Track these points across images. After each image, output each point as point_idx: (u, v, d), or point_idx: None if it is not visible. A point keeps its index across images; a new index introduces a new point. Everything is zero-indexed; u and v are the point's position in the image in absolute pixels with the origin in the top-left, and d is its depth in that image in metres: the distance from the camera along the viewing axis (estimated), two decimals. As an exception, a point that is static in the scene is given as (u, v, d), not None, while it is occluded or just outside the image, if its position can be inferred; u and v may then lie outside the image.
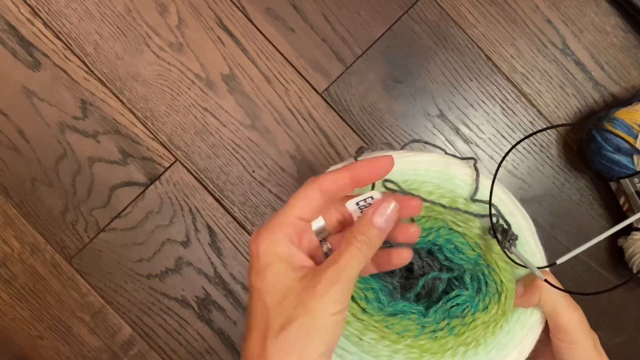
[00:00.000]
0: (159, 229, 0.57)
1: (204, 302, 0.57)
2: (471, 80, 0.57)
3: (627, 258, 0.54)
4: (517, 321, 0.32)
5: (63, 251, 0.57)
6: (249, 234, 0.57)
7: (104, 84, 0.57)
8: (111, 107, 0.57)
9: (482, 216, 0.31)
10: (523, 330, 0.32)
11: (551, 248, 0.57)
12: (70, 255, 0.57)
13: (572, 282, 0.57)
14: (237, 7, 0.57)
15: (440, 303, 0.31)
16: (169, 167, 0.57)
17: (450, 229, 0.31)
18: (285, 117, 0.57)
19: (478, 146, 0.57)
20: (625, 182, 0.51)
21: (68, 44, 0.56)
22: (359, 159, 0.33)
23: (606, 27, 0.57)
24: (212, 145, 0.57)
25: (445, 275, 0.31)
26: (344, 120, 0.57)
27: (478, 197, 0.32)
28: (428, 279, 0.32)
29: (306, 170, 0.57)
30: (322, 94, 0.57)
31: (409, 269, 0.33)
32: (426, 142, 0.36)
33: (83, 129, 0.57)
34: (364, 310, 0.31)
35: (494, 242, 0.31)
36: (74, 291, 0.57)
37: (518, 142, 0.33)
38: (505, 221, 0.31)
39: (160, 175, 0.57)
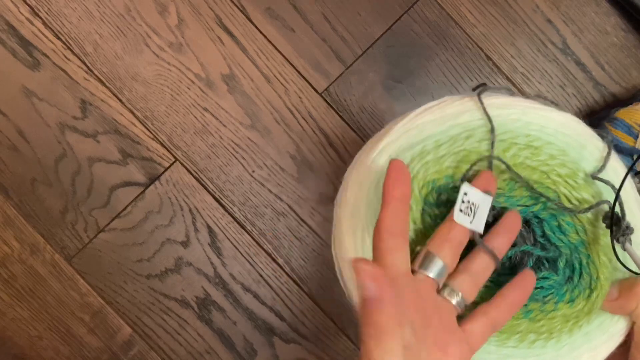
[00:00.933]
0: (158, 229, 0.57)
1: (203, 302, 0.57)
2: (471, 80, 0.57)
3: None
4: (599, 326, 0.29)
5: (63, 251, 0.57)
6: (249, 234, 0.57)
7: (104, 84, 0.56)
8: (111, 107, 0.57)
9: (596, 205, 0.27)
10: (603, 336, 0.29)
11: (551, 248, 0.57)
12: (70, 256, 0.57)
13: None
14: (237, 7, 0.57)
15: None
16: (169, 167, 0.57)
17: (561, 203, 0.28)
18: (285, 117, 0.57)
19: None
20: (626, 182, 0.51)
21: (68, 44, 0.56)
22: (480, 96, 0.29)
23: (606, 27, 0.57)
24: (212, 145, 0.57)
25: (538, 252, 0.28)
26: (344, 120, 0.57)
27: (602, 176, 0.28)
28: (518, 250, 0.28)
29: (306, 170, 0.57)
30: (322, 94, 0.57)
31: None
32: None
33: (83, 129, 0.57)
34: None
35: (604, 232, 0.28)
36: (74, 291, 0.57)
37: None
38: (623, 212, 0.27)
39: (160, 175, 0.57)
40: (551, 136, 0.28)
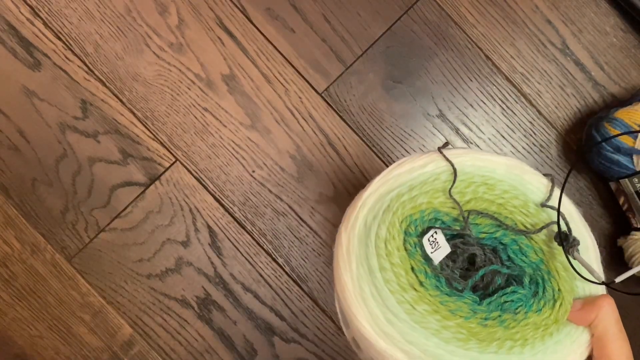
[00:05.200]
0: (159, 229, 0.57)
1: (204, 302, 0.57)
2: (471, 81, 0.57)
3: (627, 258, 0.54)
4: (568, 334, 0.32)
5: (63, 251, 0.57)
6: (249, 234, 0.57)
7: (104, 84, 0.57)
8: (111, 107, 0.57)
9: (548, 225, 0.33)
10: (572, 345, 0.32)
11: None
12: (71, 255, 0.57)
13: (571, 282, 0.57)
14: (237, 7, 0.57)
15: (495, 296, 0.32)
16: (169, 167, 0.57)
17: (519, 229, 0.33)
18: (285, 117, 0.57)
19: (478, 146, 0.57)
20: (625, 182, 0.51)
21: (68, 44, 0.57)
22: (441, 149, 0.35)
23: (606, 27, 0.57)
24: (212, 145, 0.57)
25: (505, 270, 0.32)
26: (343, 120, 0.57)
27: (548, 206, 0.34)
28: (488, 270, 0.33)
29: (306, 170, 0.57)
30: (322, 94, 0.57)
31: (470, 261, 0.34)
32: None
33: (83, 129, 0.57)
34: (421, 283, 0.32)
35: (558, 250, 0.33)
36: (74, 291, 0.57)
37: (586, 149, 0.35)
38: (569, 229, 0.32)
39: (161, 175, 0.57)
40: (501, 176, 0.34)
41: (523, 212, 0.33)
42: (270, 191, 0.57)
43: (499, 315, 0.32)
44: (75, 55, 0.57)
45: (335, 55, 0.57)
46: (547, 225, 0.33)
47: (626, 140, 0.50)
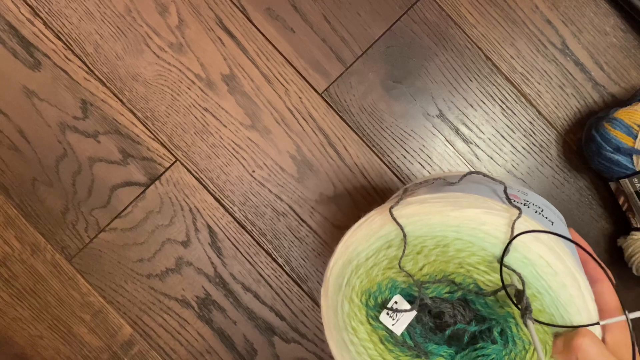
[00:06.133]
0: (159, 228, 0.57)
1: (204, 302, 0.57)
2: (471, 81, 0.57)
3: (627, 258, 0.54)
4: None
5: (63, 251, 0.57)
6: (249, 234, 0.57)
7: (104, 84, 0.57)
8: (111, 107, 0.57)
9: (497, 291, 0.31)
10: None
11: (551, 248, 0.57)
12: (71, 255, 0.57)
13: (571, 282, 0.57)
14: (237, 7, 0.57)
15: (467, 351, 0.32)
16: (169, 167, 0.57)
17: (476, 287, 0.32)
18: (285, 117, 0.57)
19: (478, 146, 0.57)
20: (625, 182, 0.51)
21: (68, 44, 0.57)
22: (392, 210, 0.34)
23: (605, 27, 0.57)
24: (212, 145, 0.57)
25: (472, 328, 0.32)
26: (343, 120, 0.57)
27: (510, 257, 0.31)
28: (454, 329, 0.32)
29: (306, 170, 0.57)
30: (322, 94, 0.57)
31: (440, 316, 0.34)
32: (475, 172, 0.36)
33: (83, 129, 0.57)
34: (390, 350, 0.33)
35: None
36: (75, 291, 0.57)
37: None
38: (523, 293, 0.30)
39: (161, 175, 0.57)
40: (455, 232, 0.32)
41: (481, 270, 0.32)
42: (270, 191, 0.57)
43: None
44: (76, 55, 0.57)
45: (335, 55, 0.57)
46: (498, 290, 0.31)
47: (626, 140, 0.50)
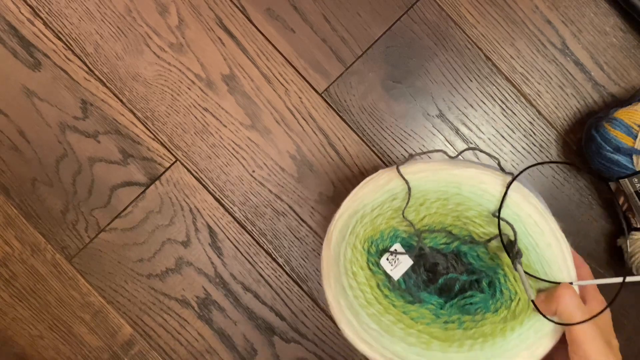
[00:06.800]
0: (159, 228, 0.57)
1: (204, 302, 0.57)
2: (471, 81, 0.57)
3: (627, 258, 0.54)
4: (531, 327, 0.34)
5: (63, 251, 0.57)
6: (249, 234, 0.57)
7: (105, 84, 0.57)
8: (111, 107, 0.57)
9: (491, 239, 0.35)
10: (536, 335, 0.34)
11: (551, 248, 0.57)
12: (71, 255, 0.57)
13: (571, 281, 0.57)
14: (237, 7, 0.57)
15: (455, 299, 0.35)
16: (169, 167, 0.57)
17: (471, 238, 0.35)
18: (286, 117, 0.57)
19: (477, 146, 0.57)
20: (625, 182, 0.51)
21: (68, 44, 0.57)
22: (399, 167, 0.37)
23: (605, 27, 0.57)
24: (212, 145, 0.57)
25: (463, 278, 0.35)
26: (343, 120, 0.57)
27: (503, 213, 0.35)
28: (447, 278, 0.36)
29: (306, 170, 0.57)
30: (322, 94, 0.57)
31: (434, 268, 0.37)
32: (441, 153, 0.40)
33: (83, 129, 0.57)
34: (386, 296, 0.36)
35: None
36: (75, 291, 0.57)
37: (532, 166, 0.35)
38: (515, 239, 0.34)
39: (161, 175, 0.57)
40: (456, 188, 0.35)
41: (477, 223, 0.35)
42: (270, 191, 0.57)
43: (459, 318, 0.35)
44: (76, 55, 0.57)
45: (335, 55, 0.57)
46: (492, 238, 0.34)
47: (626, 140, 0.50)
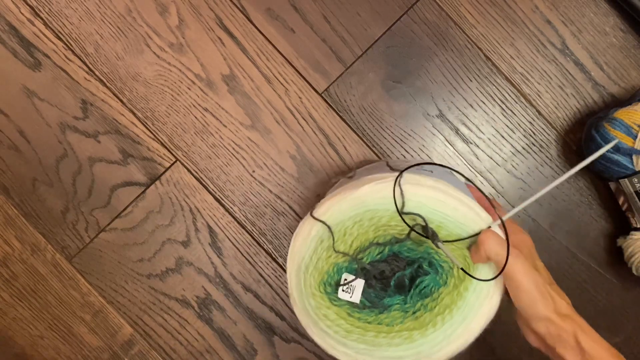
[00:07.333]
0: (159, 228, 0.57)
1: (204, 302, 0.57)
2: (470, 81, 0.57)
3: (626, 258, 0.54)
4: (479, 284, 0.39)
5: (64, 251, 0.57)
6: (249, 234, 0.57)
7: (105, 84, 0.57)
8: (112, 107, 0.57)
9: (409, 233, 0.39)
10: (486, 284, 0.39)
11: (551, 248, 0.57)
12: (71, 255, 0.57)
13: (570, 281, 0.57)
14: (237, 7, 0.57)
15: (412, 290, 0.40)
16: (169, 167, 0.57)
17: (394, 244, 0.40)
18: (286, 117, 0.57)
19: (477, 146, 0.57)
20: (625, 182, 0.51)
21: (69, 45, 0.57)
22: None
23: (605, 27, 0.57)
24: (212, 145, 0.57)
25: (408, 271, 0.40)
26: (343, 120, 0.57)
27: (408, 206, 0.39)
28: (396, 278, 0.40)
29: (306, 170, 0.57)
30: (322, 94, 0.57)
31: (382, 275, 0.41)
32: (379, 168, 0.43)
33: (83, 129, 0.57)
34: (359, 318, 0.40)
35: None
36: (75, 291, 0.57)
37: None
38: (423, 227, 0.38)
39: (161, 175, 0.57)
40: (363, 206, 0.39)
41: (392, 225, 0.39)
42: (270, 191, 0.57)
43: (422, 304, 0.40)
44: (76, 55, 0.57)
45: (335, 55, 0.57)
46: (410, 232, 0.39)
47: (626, 140, 0.50)
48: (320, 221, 0.40)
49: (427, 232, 0.38)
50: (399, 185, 0.39)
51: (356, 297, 0.40)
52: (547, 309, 0.37)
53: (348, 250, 0.40)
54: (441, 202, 0.39)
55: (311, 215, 0.40)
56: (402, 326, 0.40)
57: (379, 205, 0.39)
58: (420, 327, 0.40)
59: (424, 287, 0.40)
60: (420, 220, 0.39)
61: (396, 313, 0.40)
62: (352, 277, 0.40)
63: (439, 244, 0.38)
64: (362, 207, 0.40)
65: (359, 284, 0.40)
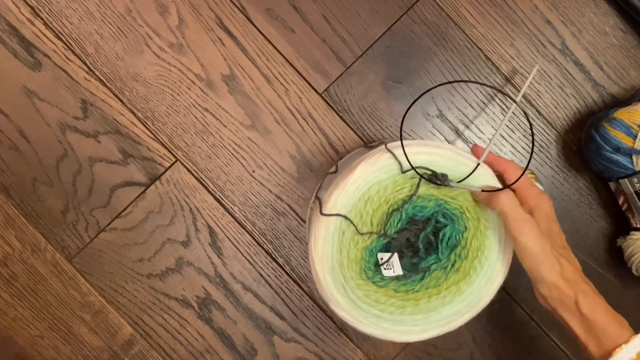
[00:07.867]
0: (159, 228, 0.57)
1: (204, 302, 0.57)
2: (471, 81, 0.57)
3: (626, 258, 0.54)
4: (490, 257, 0.43)
5: (64, 251, 0.57)
6: (249, 234, 0.57)
7: (105, 84, 0.57)
8: (112, 107, 0.57)
9: (418, 184, 0.41)
10: (496, 258, 0.43)
11: (550, 248, 0.57)
12: (71, 255, 0.57)
13: (571, 281, 0.57)
14: (237, 7, 0.57)
15: (440, 245, 0.42)
16: (170, 167, 0.57)
17: (408, 202, 0.41)
18: (286, 117, 0.57)
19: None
20: (624, 182, 0.51)
21: (69, 45, 0.57)
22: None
23: (605, 27, 0.57)
24: (212, 146, 0.57)
25: (428, 229, 0.42)
26: (343, 120, 0.57)
27: (405, 168, 0.41)
28: (421, 239, 0.42)
29: (306, 170, 0.57)
30: (322, 94, 0.57)
31: (409, 243, 0.43)
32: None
33: (84, 129, 0.57)
34: (407, 291, 0.43)
35: (440, 186, 0.42)
36: (75, 291, 0.57)
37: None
38: (429, 173, 0.40)
39: (161, 175, 0.57)
40: (367, 184, 0.41)
41: (398, 190, 0.41)
42: (270, 191, 0.57)
43: (455, 255, 0.42)
44: (76, 55, 0.57)
45: (335, 55, 0.57)
46: (417, 188, 0.41)
47: (626, 140, 0.50)
48: (334, 215, 0.41)
49: (437, 177, 0.40)
50: (390, 150, 0.41)
51: (398, 270, 0.41)
52: (552, 273, 0.38)
53: (372, 228, 0.41)
54: (432, 154, 0.41)
55: (321, 213, 0.41)
56: (448, 282, 0.42)
57: (379, 176, 0.41)
58: (464, 276, 0.42)
59: (449, 238, 0.42)
60: (423, 172, 0.40)
61: (437, 272, 0.43)
62: (387, 254, 0.41)
63: (452, 183, 0.40)
64: (365, 184, 0.41)
65: (395, 258, 0.41)
